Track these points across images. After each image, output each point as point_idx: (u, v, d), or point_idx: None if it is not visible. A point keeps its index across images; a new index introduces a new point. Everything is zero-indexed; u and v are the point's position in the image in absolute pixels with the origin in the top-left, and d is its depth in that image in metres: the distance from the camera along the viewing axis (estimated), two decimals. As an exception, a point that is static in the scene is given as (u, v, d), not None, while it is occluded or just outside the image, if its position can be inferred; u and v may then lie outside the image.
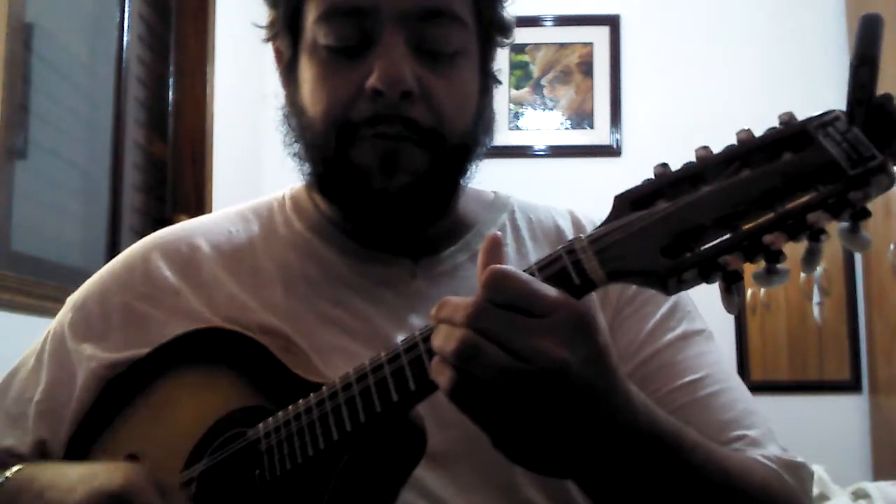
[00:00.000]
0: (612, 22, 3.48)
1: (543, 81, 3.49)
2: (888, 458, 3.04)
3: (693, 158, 0.61)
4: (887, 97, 0.57)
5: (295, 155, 0.90)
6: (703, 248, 0.58)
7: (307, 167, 0.90)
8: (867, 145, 0.56)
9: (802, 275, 3.30)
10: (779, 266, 0.58)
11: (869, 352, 3.20)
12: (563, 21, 3.51)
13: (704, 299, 0.89)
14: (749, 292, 3.30)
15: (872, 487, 2.24)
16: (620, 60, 3.46)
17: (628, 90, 3.44)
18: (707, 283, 0.59)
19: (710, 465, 0.72)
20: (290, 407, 0.74)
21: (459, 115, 0.86)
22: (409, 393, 0.67)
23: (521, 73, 3.49)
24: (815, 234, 0.57)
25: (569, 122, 3.48)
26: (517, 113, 3.48)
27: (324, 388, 0.72)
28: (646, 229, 0.60)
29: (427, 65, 0.84)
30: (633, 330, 0.88)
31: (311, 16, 0.86)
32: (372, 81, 0.81)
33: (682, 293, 0.91)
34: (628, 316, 0.89)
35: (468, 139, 0.87)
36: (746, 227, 0.57)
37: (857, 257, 3.27)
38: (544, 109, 3.49)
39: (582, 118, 3.47)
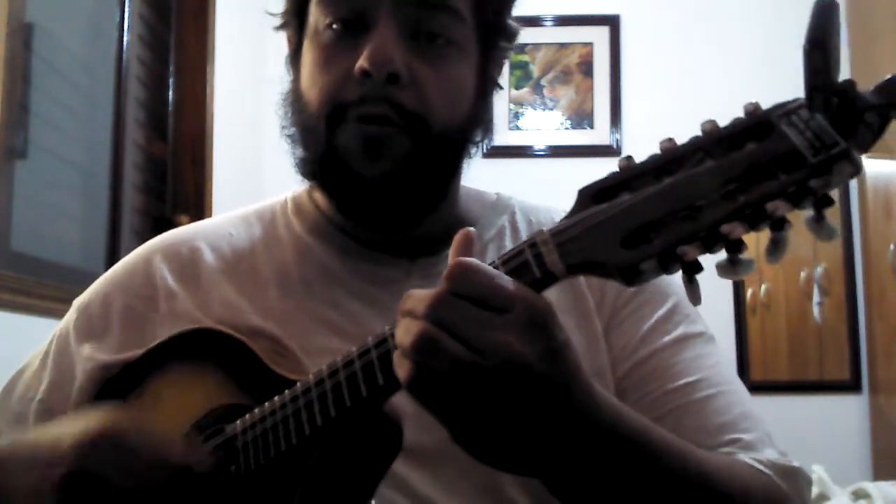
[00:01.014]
0: (612, 22, 3.48)
1: (543, 81, 3.50)
2: (888, 458, 3.04)
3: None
4: (849, 83, 0.57)
5: (289, 137, 0.91)
6: (661, 238, 0.58)
7: (299, 151, 0.91)
8: (830, 133, 0.56)
9: (802, 275, 3.30)
10: (741, 256, 0.57)
11: (869, 352, 3.20)
12: (563, 21, 3.51)
13: (704, 299, 0.89)
14: (749, 292, 3.30)
15: (872, 487, 2.24)
16: (620, 60, 3.46)
17: (628, 90, 3.44)
18: (667, 273, 0.59)
19: (683, 465, 0.71)
20: (266, 403, 0.75)
21: (447, 106, 0.86)
22: (378, 387, 0.67)
23: (521, 73, 3.49)
24: (777, 224, 0.56)
25: (569, 122, 3.48)
26: (517, 113, 3.48)
27: (298, 384, 0.73)
28: (606, 221, 0.60)
29: (419, 53, 0.84)
30: (629, 331, 0.88)
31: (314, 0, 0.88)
32: (360, 62, 0.82)
33: (683, 297, 0.91)
34: (625, 317, 0.89)
35: (456, 132, 0.87)
36: (705, 217, 0.57)
37: (857, 257, 3.26)
38: (544, 109, 3.49)
39: (582, 118, 3.47)
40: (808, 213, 0.57)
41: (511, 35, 0.93)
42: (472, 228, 0.67)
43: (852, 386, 3.26)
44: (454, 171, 0.91)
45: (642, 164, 0.61)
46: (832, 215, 0.57)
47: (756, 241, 0.58)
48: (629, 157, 0.62)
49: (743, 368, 3.24)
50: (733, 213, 0.56)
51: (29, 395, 0.94)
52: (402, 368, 0.61)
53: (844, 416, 3.23)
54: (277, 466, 0.73)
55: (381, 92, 0.83)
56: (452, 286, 0.60)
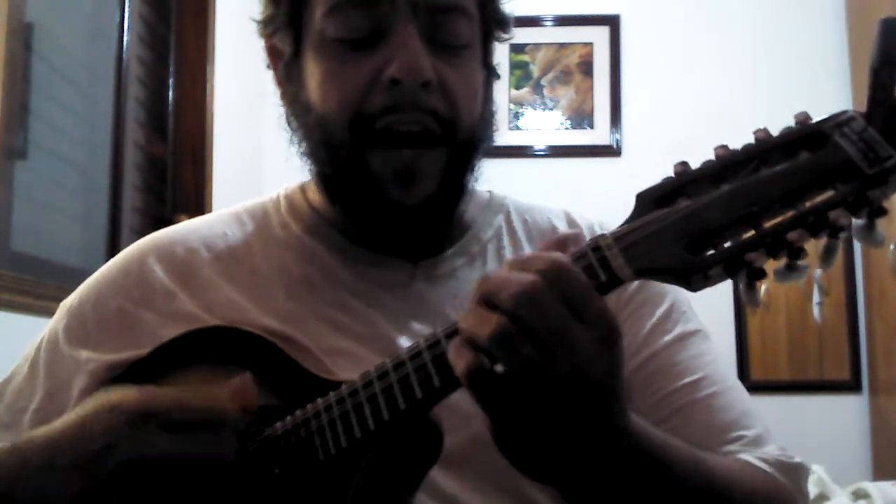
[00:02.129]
0: (612, 22, 3.48)
1: (543, 81, 3.49)
2: (888, 458, 3.04)
3: (712, 157, 0.62)
4: None
5: (303, 154, 0.89)
6: (727, 245, 0.59)
7: (316, 167, 0.89)
8: (883, 145, 0.58)
9: (802, 275, 3.30)
10: (799, 262, 0.60)
11: (869, 352, 3.20)
12: (563, 21, 3.51)
13: (704, 299, 0.89)
14: (749, 292, 3.30)
15: (872, 487, 2.24)
16: (620, 60, 3.46)
17: (628, 90, 3.44)
18: (732, 279, 0.61)
19: (695, 474, 0.72)
20: (308, 405, 0.73)
21: (470, 107, 0.86)
22: (434, 389, 0.67)
23: (521, 73, 3.49)
24: (835, 232, 0.59)
25: (569, 122, 3.48)
26: (517, 113, 3.48)
27: (343, 385, 0.72)
28: (669, 227, 0.61)
29: (440, 56, 0.84)
30: (630, 332, 0.88)
31: (318, 10, 0.85)
32: (392, 71, 0.81)
33: (679, 294, 0.92)
34: (626, 318, 0.89)
35: (476, 133, 0.87)
36: (768, 224, 0.59)
37: (857, 257, 3.27)
38: (544, 109, 3.49)
39: (582, 118, 3.47)
40: (859, 221, 0.59)
41: (507, 23, 0.93)
42: (575, 231, 0.66)
43: (852, 386, 3.26)
44: (473, 175, 0.90)
45: (698, 170, 0.62)
46: None
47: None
48: (685, 163, 0.63)
49: (743, 368, 3.24)
50: (798, 220, 0.58)
51: (20, 404, 0.90)
52: (462, 359, 0.60)
53: (844, 416, 3.23)
54: (327, 468, 0.72)
55: (413, 98, 0.82)
56: (548, 283, 0.59)
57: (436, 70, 0.83)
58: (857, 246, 3.28)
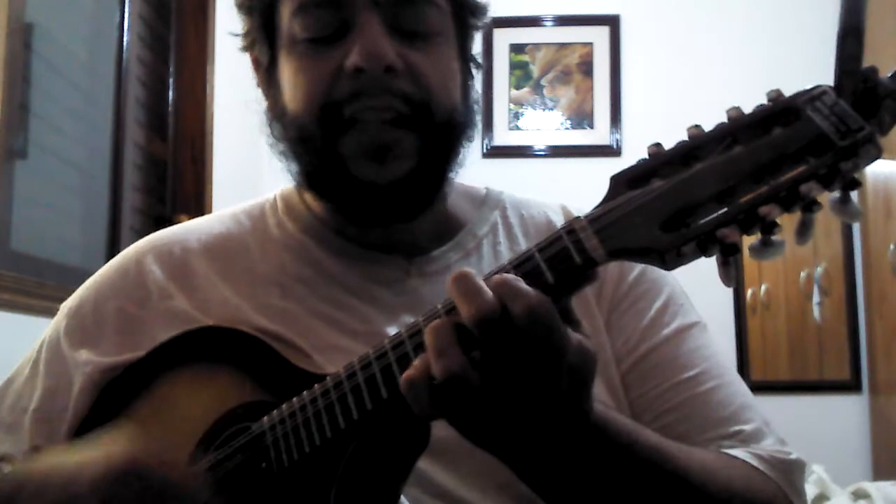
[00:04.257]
0: (612, 22, 3.48)
1: (543, 81, 3.50)
2: (888, 458, 3.04)
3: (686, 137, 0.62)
4: (872, 69, 0.59)
5: (282, 154, 0.90)
6: (700, 222, 0.59)
7: (295, 165, 0.89)
8: (855, 117, 0.58)
9: (802, 275, 3.30)
10: (773, 238, 0.59)
11: (869, 352, 3.20)
12: (563, 21, 3.51)
13: (704, 299, 0.90)
14: (749, 292, 3.30)
15: (872, 487, 2.24)
16: (620, 60, 3.46)
17: (628, 90, 3.44)
18: (705, 256, 0.60)
19: (667, 464, 0.72)
20: (293, 399, 0.74)
21: (445, 91, 0.86)
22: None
23: (521, 73, 3.49)
24: (809, 205, 0.58)
25: (569, 122, 3.48)
26: (517, 113, 3.48)
27: (328, 378, 0.72)
28: (643, 207, 0.61)
29: (408, 44, 0.84)
30: (629, 326, 0.88)
31: (286, 12, 0.87)
32: (352, 59, 0.82)
33: (675, 287, 0.92)
34: (623, 312, 0.89)
35: (456, 117, 0.87)
36: (741, 200, 0.58)
37: (858, 257, 3.27)
38: (544, 109, 3.49)
39: (582, 118, 3.47)
40: (835, 195, 0.59)
41: (482, 10, 0.93)
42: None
43: (852, 386, 3.26)
44: (456, 160, 0.90)
45: (671, 150, 0.62)
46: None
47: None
48: (658, 144, 0.63)
49: (743, 368, 3.24)
50: (770, 195, 0.58)
51: (21, 404, 0.92)
52: (417, 395, 0.62)
53: (844, 416, 3.23)
54: (312, 461, 0.72)
55: (378, 84, 0.82)
56: (495, 310, 0.60)
57: (403, 56, 0.83)
58: (858, 246, 3.28)
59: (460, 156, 0.90)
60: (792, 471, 0.83)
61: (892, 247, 2.87)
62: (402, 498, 0.73)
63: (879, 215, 3.05)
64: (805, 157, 0.58)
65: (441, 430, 0.72)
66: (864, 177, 0.57)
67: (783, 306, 3.30)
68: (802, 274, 3.30)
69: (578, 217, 0.64)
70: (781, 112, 0.60)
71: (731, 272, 0.60)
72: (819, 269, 3.30)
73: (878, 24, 3.05)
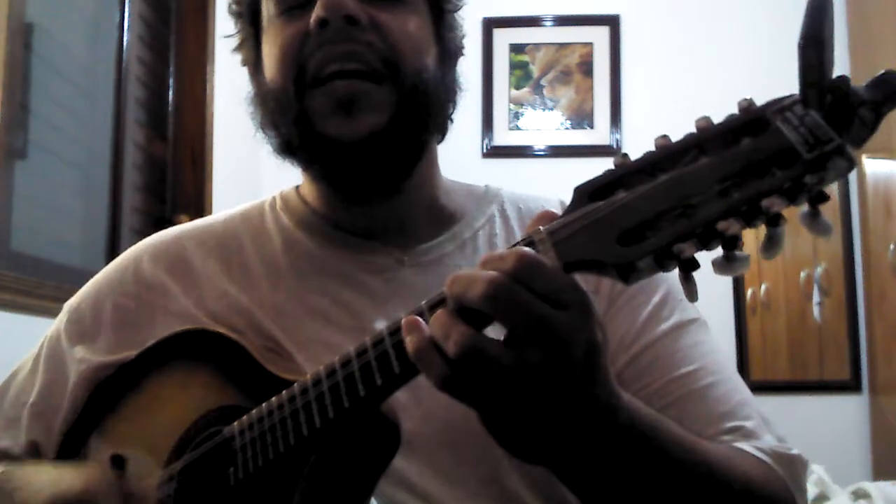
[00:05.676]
0: (612, 22, 3.48)
1: (543, 81, 3.50)
2: (888, 458, 3.04)
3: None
4: (843, 79, 0.56)
5: (261, 127, 0.91)
6: (657, 236, 0.57)
7: (274, 137, 0.90)
8: (824, 129, 0.55)
9: (802, 275, 3.30)
10: (737, 253, 0.57)
11: (869, 352, 3.20)
12: (563, 21, 3.51)
13: (704, 299, 0.89)
14: (749, 292, 3.30)
15: (872, 487, 2.24)
16: (620, 60, 3.46)
17: (628, 90, 3.44)
18: (663, 271, 0.58)
19: (691, 458, 0.71)
20: (263, 404, 0.74)
21: (415, 52, 0.86)
22: (376, 388, 0.66)
23: (521, 73, 3.49)
24: (773, 220, 0.56)
25: (569, 122, 3.48)
26: (517, 113, 3.48)
27: (295, 384, 0.72)
28: (602, 219, 0.60)
29: (375, 6, 0.85)
30: (626, 322, 0.88)
31: (267, 3, 0.89)
32: (315, 12, 0.83)
33: (674, 283, 0.91)
34: (621, 307, 0.89)
35: (427, 80, 0.87)
36: (700, 214, 0.56)
37: (857, 257, 3.27)
38: (544, 109, 3.49)
39: (582, 118, 3.47)
40: (804, 209, 0.57)
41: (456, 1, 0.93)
42: (553, 210, 0.65)
43: (852, 386, 3.26)
44: (430, 130, 0.90)
45: (637, 161, 0.61)
46: (830, 212, 0.57)
47: (755, 239, 0.58)
48: (625, 155, 0.62)
49: (743, 368, 3.24)
50: (729, 209, 0.56)
51: (22, 398, 0.94)
52: (434, 366, 0.60)
53: (844, 416, 3.23)
54: (276, 468, 0.73)
55: (344, 35, 0.83)
56: (511, 277, 0.58)
57: (368, 13, 0.84)
58: (858, 246, 3.28)
59: (437, 125, 0.90)
60: (795, 466, 0.82)
61: (892, 247, 2.87)
62: (373, 500, 0.73)
63: (879, 215, 3.05)
64: (771, 169, 0.55)
65: (419, 425, 0.72)
66: (831, 190, 0.56)
67: (783, 306, 3.30)
68: (802, 274, 3.30)
69: (538, 229, 0.63)
70: (751, 122, 0.58)
71: (694, 287, 0.58)
72: (819, 270, 3.30)
73: (878, 24, 3.04)
